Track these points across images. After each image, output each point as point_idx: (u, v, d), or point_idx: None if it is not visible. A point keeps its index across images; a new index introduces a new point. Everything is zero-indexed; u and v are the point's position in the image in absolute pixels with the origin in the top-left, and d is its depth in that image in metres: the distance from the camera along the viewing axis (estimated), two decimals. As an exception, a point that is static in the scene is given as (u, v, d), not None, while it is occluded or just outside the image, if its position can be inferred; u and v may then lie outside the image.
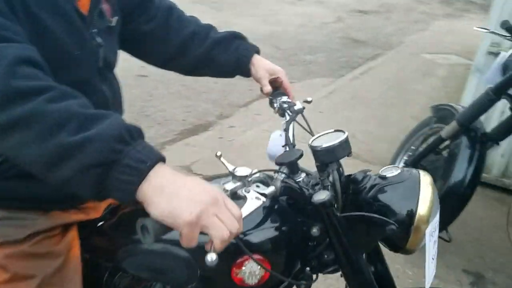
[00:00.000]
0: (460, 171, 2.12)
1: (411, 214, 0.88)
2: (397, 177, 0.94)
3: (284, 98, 1.25)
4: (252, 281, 0.90)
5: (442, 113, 2.47)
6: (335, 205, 0.92)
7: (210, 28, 1.27)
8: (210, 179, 1.08)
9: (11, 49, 0.67)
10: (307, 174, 1.03)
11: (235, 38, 1.26)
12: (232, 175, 0.81)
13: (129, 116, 3.71)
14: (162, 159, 0.67)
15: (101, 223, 1.04)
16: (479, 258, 2.29)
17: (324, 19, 8.50)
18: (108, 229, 1.04)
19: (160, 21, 1.21)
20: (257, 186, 0.84)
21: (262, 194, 0.82)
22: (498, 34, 1.96)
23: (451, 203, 2.13)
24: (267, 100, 1.31)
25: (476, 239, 2.51)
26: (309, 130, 1.21)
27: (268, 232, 0.91)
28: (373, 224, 0.90)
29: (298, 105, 1.21)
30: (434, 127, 2.51)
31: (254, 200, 0.80)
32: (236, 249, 0.87)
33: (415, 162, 2.51)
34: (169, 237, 0.73)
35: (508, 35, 1.87)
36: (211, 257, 0.66)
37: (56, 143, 0.63)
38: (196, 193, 0.65)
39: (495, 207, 2.78)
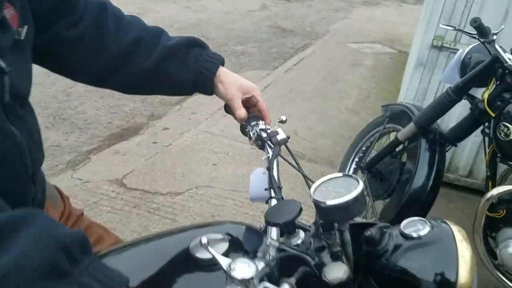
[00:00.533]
0: (422, 177, 2.03)
1: (452, 281, 0.69)
2: (427, 237, 0.74)
3: (261, 124, 1.00)
4: None
5: (394, 113, 2.36)
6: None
7: (159, 32, 0.97)
8: None
9: None
10: (304, 229, 0.81)
11: (193, 45, 0.98)
12: (232, 279, 0.56)
13: (43, 120, 3.24)
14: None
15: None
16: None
17: (249, 7, 8.28)
18: None
19: (89, 25, 0.88)
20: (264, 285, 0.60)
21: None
22: (467, 33, 1.86)
23: (415, 210, 2.04)
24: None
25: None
26: (296, 166, 0.97)
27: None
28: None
29: (281, 134, 0.97)
30: (387, 127, 2.40)
31: None
32: None
33: (370, 166, 2.40)
34: None
35: (474, 33, 1.78)
36: None
37: None
38: None
39: (443, 204, 2.77)
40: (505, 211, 1.82)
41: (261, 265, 0.64)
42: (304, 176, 0.96)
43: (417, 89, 2.95)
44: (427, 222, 0.77)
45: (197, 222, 0.81)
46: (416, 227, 0.77)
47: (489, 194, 1.81)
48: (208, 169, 2.94)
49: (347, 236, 0.77)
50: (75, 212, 1.08)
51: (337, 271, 0.67)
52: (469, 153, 2.87)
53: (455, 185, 2.92)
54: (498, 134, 1.76)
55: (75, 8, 0.86)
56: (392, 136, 2.47)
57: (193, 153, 3.13)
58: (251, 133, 0.99)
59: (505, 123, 1.72)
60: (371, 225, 0.80)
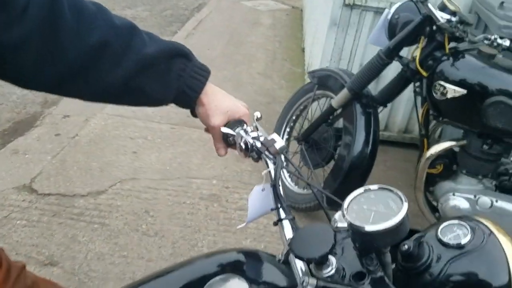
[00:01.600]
0: (360, 143, 2.04)
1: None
2: (471, 244, 0.69)
3: (250, 131, 0.84)
4: None
5: (322, 79, 2.32)
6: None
7: (131, 32, 0.75)
8: None
9: None
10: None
11: (176, 56, 0.79)
12: None
13: None
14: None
15: None
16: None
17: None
18: None
19: (36, 22, 0.64)
20: None
21: None
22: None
23: (356, 176, 2.06)
24: None
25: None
26: (298, 174, 0.85)
27: None
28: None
29: (278, 141, 0.82)
30: (317, 94, 2.36)
31: None
32: None
33: (306, 136, 2.36)
34: None
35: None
36: None
37: None
38: None
39: (396, 166, 2.86)
40: (442, 166, 1.90)
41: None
42: (312, 188, 0.83)
43: (333, 50, 2.94)
44: (466, 226, 0.71)
45: (198, 255, 0.67)
46: (455, 233, 0.71)
47: (428, 153, 1.88)
48: (129, 159, 2.66)
49: (388, 258, 0.69)
50: (16, 265, 0.84)
51: None
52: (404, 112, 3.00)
53: (390, 142, 3.03)
54: (434, 94, 1.80)
55: (9, 1, 0.60)
56: (321, 102, 2.44)
57: (106, 143, 2.80)
58: (240, 143, 0.83)
59: (440, 82, 1.76)
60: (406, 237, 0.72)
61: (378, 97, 2.14)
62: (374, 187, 0.68)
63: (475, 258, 0.68)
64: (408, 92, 2.16)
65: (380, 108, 2.17)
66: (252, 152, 0.81)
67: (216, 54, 4.43)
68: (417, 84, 1.96)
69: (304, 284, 0.64)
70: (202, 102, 0.82)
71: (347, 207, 0.67)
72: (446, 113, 1.85)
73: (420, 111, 1.97)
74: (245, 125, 0.85)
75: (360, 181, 2.06)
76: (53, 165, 2.55)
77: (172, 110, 2.77)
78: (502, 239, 0.69)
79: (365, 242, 0.65)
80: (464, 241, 0.68)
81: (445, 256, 0.68)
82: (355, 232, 0.64)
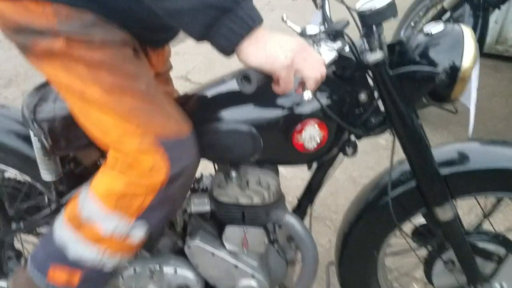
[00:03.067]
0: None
1: (458, 64, 0.90)
2: (442, 33, 0.94)
3: None
4: (312, 145, 0.93)
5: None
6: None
7: None
8: None
9: None
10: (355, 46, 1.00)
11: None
12: (302, 34, 0.83)
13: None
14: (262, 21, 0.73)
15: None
16: (481, 125, 2.38)
17: None
18: None
19: None
20: (326, 42, 0.85)
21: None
22: None
23: None
24: None
25: (477, 108, 2.59)
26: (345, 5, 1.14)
27: (323, 100, 0.93)
28: (421, 78, 0.92)
29: None
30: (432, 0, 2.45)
31: (328, 52, 0.82)
32: (295, 116, 0.91)
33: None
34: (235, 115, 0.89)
35: None
36: (307, 94, 0.77)
37: None
38: (287, 42, 0.73)
39: (490, 75, 2.84)
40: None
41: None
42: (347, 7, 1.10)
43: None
44: (443, 23, 0.96)
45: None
46: (434, 27, 0.96)
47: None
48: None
49: (383, 37, 0.91)
50: None
51: (374, 55, 0.87)
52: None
53: (503, 56, 2.95)
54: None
55: None
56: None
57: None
58: None
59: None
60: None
61: (493, -1, 2.15)
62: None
63: (440, 43, 0.93)
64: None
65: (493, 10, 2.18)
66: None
67: None
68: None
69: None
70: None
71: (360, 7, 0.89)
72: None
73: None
74: None
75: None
76: (203, 63, 3.20)
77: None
78: (466, 33, 0.92)
79: (368, 21, 0.86)
80: (433, 31, 0.94)
81: (421, 42, 0.94)
82: (362, 15, 0.86)
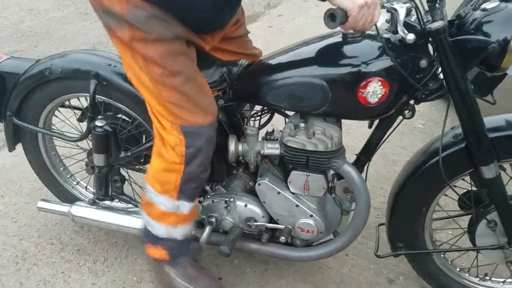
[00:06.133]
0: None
1: (508, 36, 1.02)
2: (495, 8, 1.05)
3: None
4: (373, 99, 1.08)
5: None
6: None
7: None
8: None
9: None
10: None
11: None
12: None
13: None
14: None
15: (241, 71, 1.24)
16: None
17: None
18: (250, 73, 1.23)
19: None
20: (398, 2, 1.01)
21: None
22: None
23: None
24: None
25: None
26: None
27: (387, 61, 1.07)
28: (476, 46, 1.04)
29: None
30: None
31: (400, 8, 0.99)
32: (362, 73, 1.06)
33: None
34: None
35: None
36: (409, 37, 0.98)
37: None
38: None
39: None
40: None
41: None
42: None
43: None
44: (498, 1, 1.07)
45: None
46: (490, 3, 1.08)
47: None
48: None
49: (445, 9, 1.07)
50: None
51: (436, 23, 1.01)
52: None
53: None
54: None
55: None
56: None
57: (303, 35, 3.47)
58: None
59: None
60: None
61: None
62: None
63: (493, 17, 1.05)
64: None
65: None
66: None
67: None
68: None
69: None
70: None
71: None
72: None
73: None
74: None
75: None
76: (261, 45, 3.37)
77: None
78: None
79: None
80: (490, 6, 1.06)
81: (478, 17, 1.06)
82: None
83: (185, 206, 1.24)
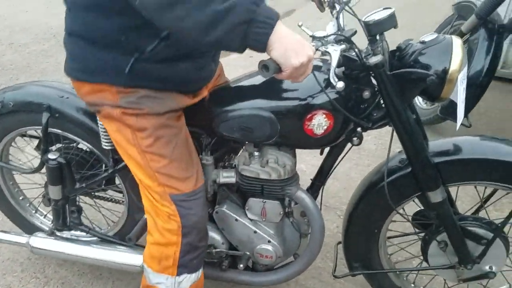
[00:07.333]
0: (479, 61, 2.25)
1: (446, 67, 1.07)
2: (434, 41, 1.12)
3: None
4: (319, 131, 1.13)
5: (463, 10, 2.55)
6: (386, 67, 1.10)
7: None
8: None
9: None
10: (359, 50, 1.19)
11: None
12: (313, 37, 1.02)
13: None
14: (279, 16, 0.89)
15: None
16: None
17: None
18: (205, 104, 1.25)
19: None
20: (332, 45, 1.03)
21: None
22: None
23: (471, 92, 2.27)
24: (310, 7, 1.36)
25: (497, 128, 2.69)
26: (357, 17, 1.32)
27: (331, 94, 1.11)
28: (415, 78, 1.09)
29: None
30: (455, 25, 2.60)
31: (334, 52, 1.00)
32: (307, 106, 1.12)
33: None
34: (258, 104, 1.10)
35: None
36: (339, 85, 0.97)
37: (210, 10, 0.83)
38: (302, 46, 0.89)
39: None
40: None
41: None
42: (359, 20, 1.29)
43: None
44: (435, 34, 1.14)
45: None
46: (428, 37, 1.14)
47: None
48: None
49: (385, 44, 1.14)
50: None
51: (375, 58, 1.05)
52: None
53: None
54: None
55: None
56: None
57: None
58: None
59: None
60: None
61: (508, 24, 2.29)
62: (380, 9, 1.10)
63: (432, 49, 1.11)
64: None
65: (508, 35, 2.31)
66: (329, 3, 1.31)
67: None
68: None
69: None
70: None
71: (366, 17, 1.09)
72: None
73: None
74: None
75: (474, 99, 2.29)
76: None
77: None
78: (455, 42, 1.10)
79: (371, 30, 1.06)
80: (426, 39, 1.13)
81: (417, 49, 1.12)
82: (366, 24, 1.06)
83: (187, 281, 1.22)
